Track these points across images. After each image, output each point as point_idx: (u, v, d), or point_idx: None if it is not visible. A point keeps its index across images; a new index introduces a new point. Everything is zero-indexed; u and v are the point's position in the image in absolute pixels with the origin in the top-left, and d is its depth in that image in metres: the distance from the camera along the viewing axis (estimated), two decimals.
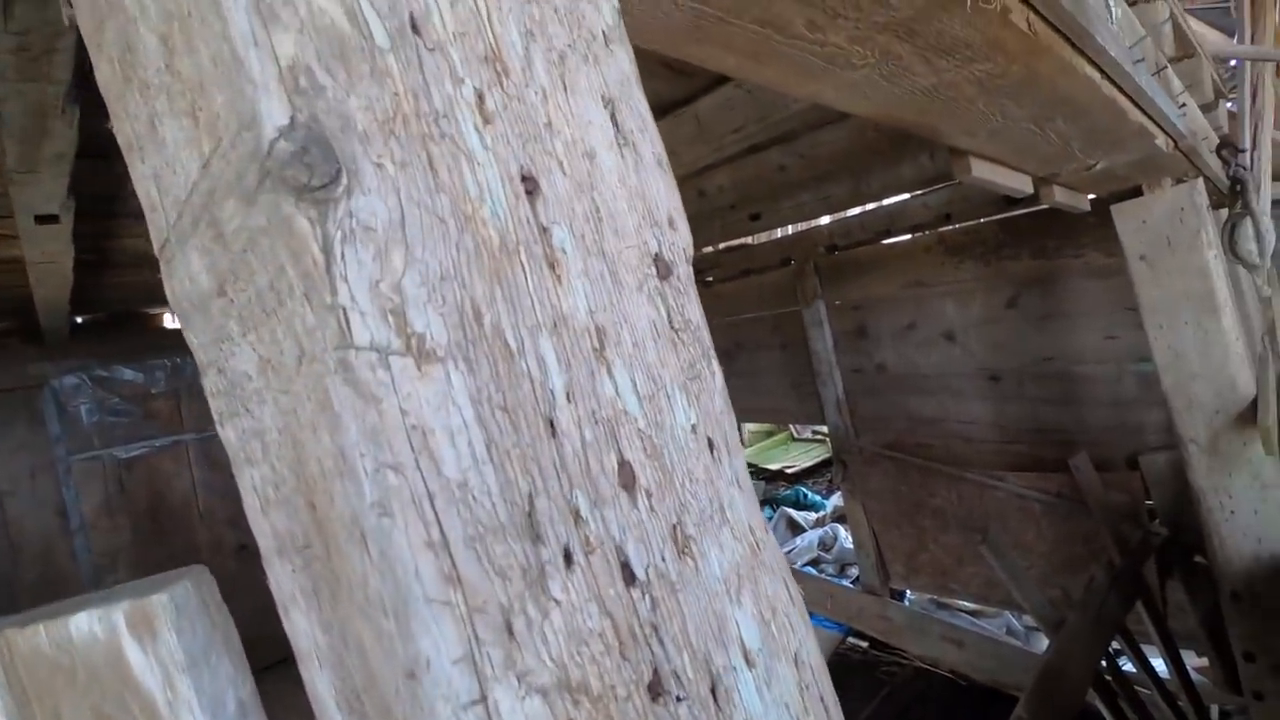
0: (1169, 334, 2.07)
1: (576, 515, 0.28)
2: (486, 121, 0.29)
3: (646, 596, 0.30)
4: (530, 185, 0.30)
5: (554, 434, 0.29)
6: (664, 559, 0.31)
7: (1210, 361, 1.97)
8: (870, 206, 3.73)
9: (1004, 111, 1.23)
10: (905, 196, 3.39)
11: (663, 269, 0.36)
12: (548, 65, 0.32)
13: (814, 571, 4.64)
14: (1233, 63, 2.49)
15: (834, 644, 4.17)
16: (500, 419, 0.27)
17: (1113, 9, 1.27)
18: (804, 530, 5.18)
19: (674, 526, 0.32)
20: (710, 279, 4.71)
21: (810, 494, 5.96)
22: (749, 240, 4.47)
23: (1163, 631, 2.17)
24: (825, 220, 4.07)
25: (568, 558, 0.28)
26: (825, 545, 4.90)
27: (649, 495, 0.32)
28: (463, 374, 0.26)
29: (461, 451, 0.26)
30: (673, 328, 0.35)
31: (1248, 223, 1.87)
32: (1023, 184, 1.72)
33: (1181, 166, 1.81)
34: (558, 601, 0.27)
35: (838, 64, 0.89)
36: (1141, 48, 1.30)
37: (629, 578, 0.30)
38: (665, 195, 0.37)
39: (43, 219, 1.49)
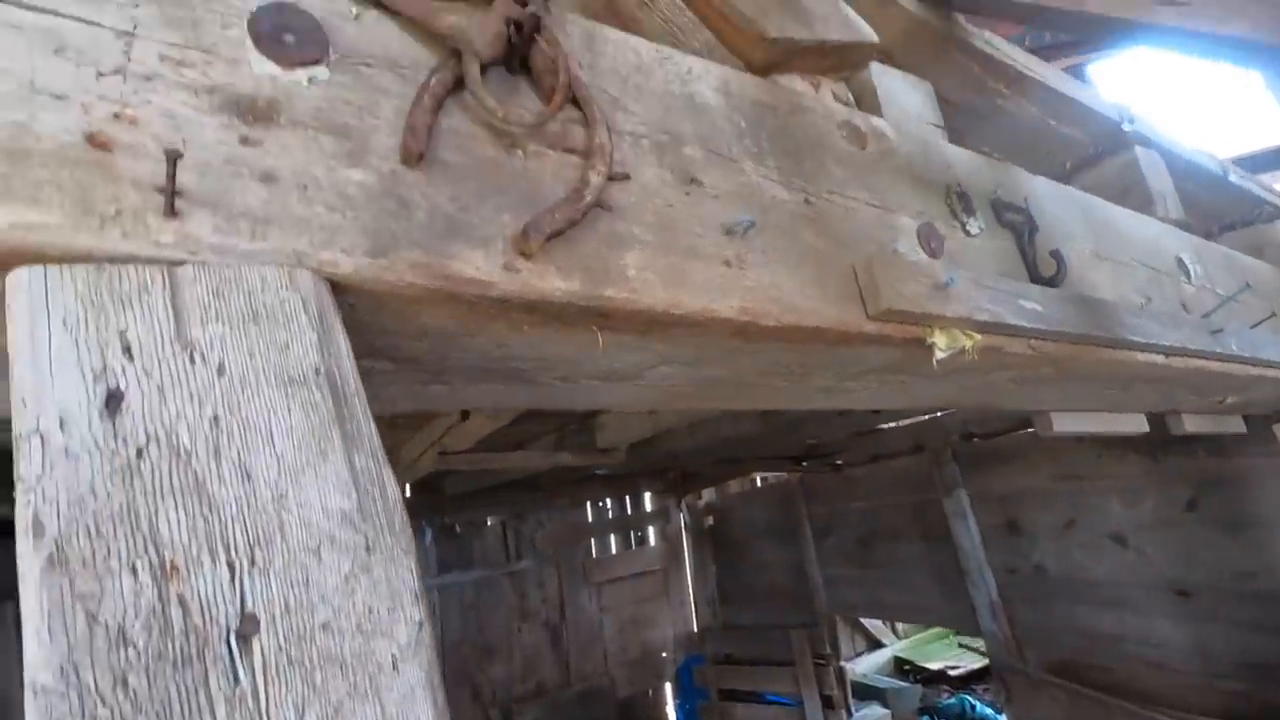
0: None
1: None
2: None
3: None
4: None
5: None
6: None
7: None
8: None
9: (1064, 391, 1.19)
10: None
11: None
12: None
13: None
14: None
15: None
16: None
17: (1191, 268, 1.24)
18: None
19: None
20: (840, 462, 4.55)
21: (981, 706, 5.12)
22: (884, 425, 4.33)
23: None
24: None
25: None
26: None
27: None
28: None
29: None
30: None
31: None
32: (1135, 424, 1.58)
33: None
34: None
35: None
36: (1233, 304, 1.23)
37: None
38: None
39: None
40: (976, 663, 5.97)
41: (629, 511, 5.94)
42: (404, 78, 0.54)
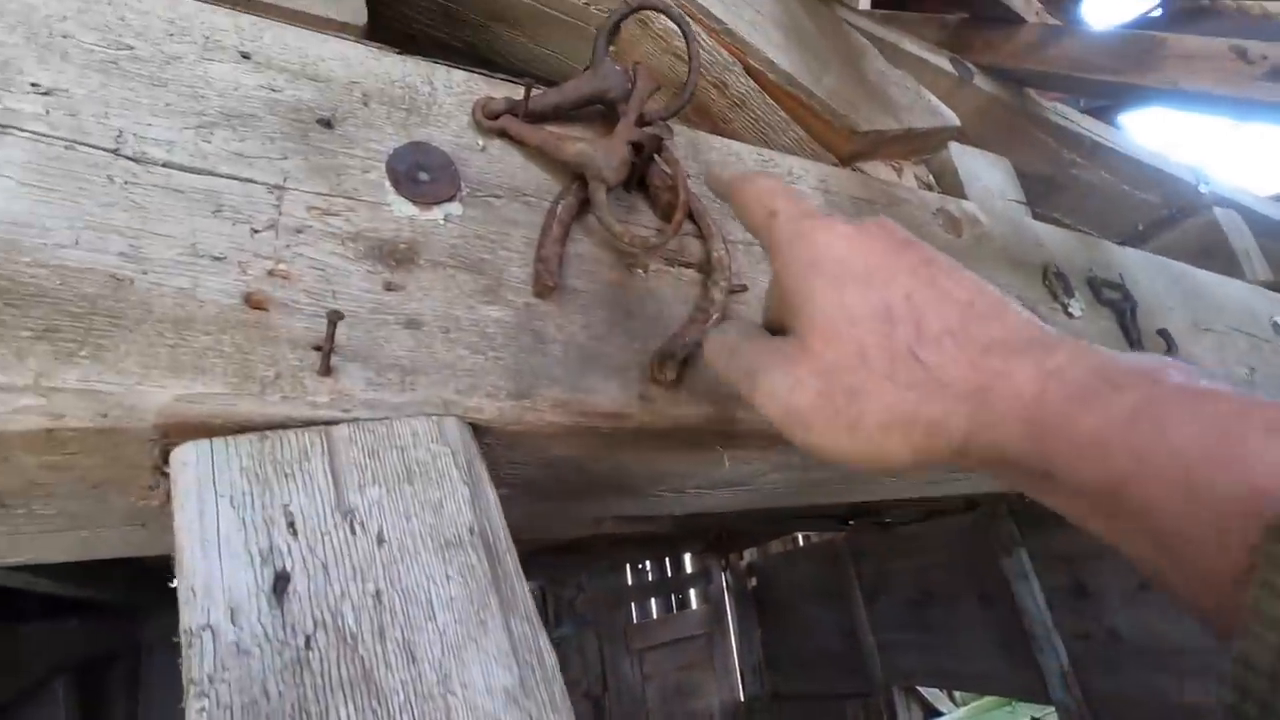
0: None
1: None
2: None
3: None
4: None
5: None
6: None
7: None
8: None
9: None
10: None
11: None
12: None
13: None
14: None
15: None
16: None
17: None
18: None
19: None
20: (889, 520, 4.40)
21: None
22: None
23: None
24: None
25: None
26: None
27: None
28: None
29: None
30: None
31: None
32: None
33: None
34: None
35: None
36: None
37: None
38: None
39: None
40: None
41: (669, 574, 5.79)
42: (530, 206, 0.53)
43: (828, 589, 5.13)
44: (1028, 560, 3.85)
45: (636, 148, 0.56)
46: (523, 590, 0.42)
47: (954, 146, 1.03)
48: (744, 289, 0.60)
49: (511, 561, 0.42)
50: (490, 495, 0.43)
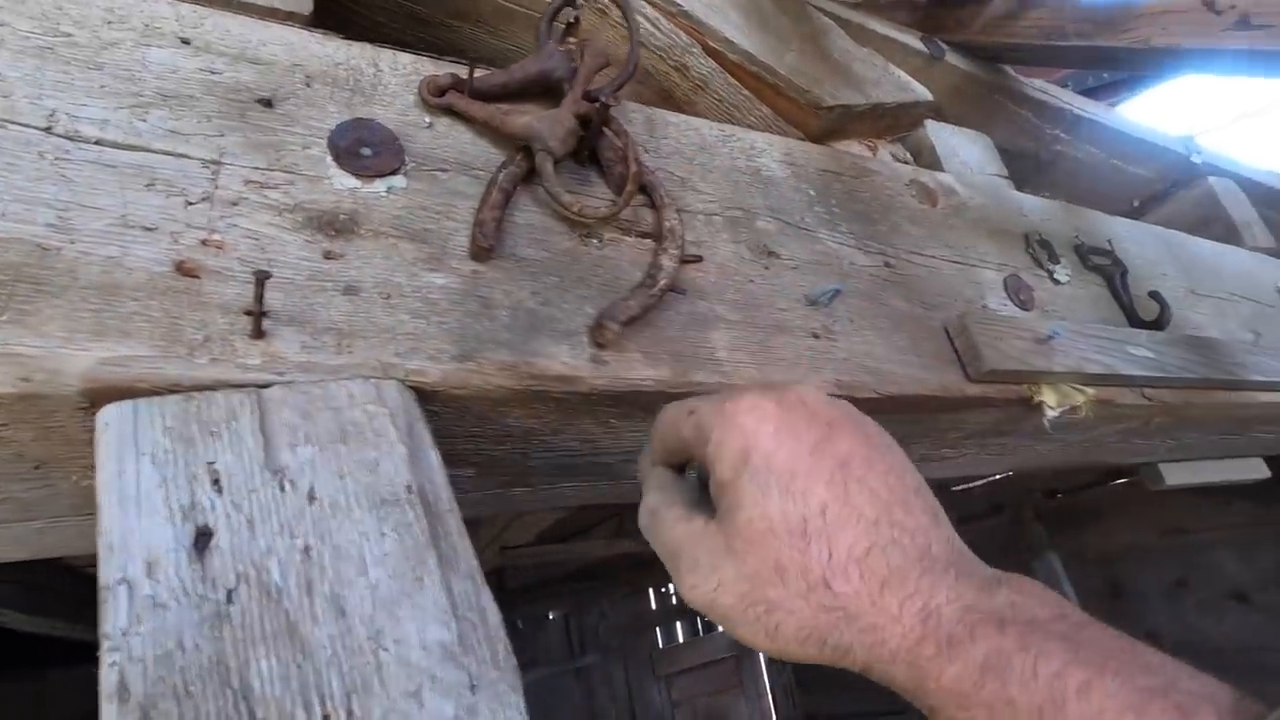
0: None
1: None
2: None
3: None
4: None
5: None
6: None
7: None
8: None
9: (1176, 440, 1.09)
10: None
11: None
12: None
13: None
14: None
15: None
16: None
17: None
18: None
19: None
20: None
21: None
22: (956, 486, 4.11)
23: None
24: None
25: None
26: None
27: None
28: None
29: None
30: None
31: None
32: (1254, 470, 1.44)
33: None
34: None
35: None
36: None
37: None
38: None
39: None
40: None
41: None
42: (479, 179, 0.53)
43: None
44: (1059, 563, 3.73)
45: (585, 121, 0.56)
46: (466, 549, 0.41)
47: (930, 124, 1.02)
48: (698, 259, 0.59)
49: (454, 521, 0.41)
50: (433, 457, 0.42)
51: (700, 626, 5.65)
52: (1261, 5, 0.75)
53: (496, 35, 0.80)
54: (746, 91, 0.80)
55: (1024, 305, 0.81)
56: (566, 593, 4.94)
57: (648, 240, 0.59)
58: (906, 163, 1.00)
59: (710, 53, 0.78)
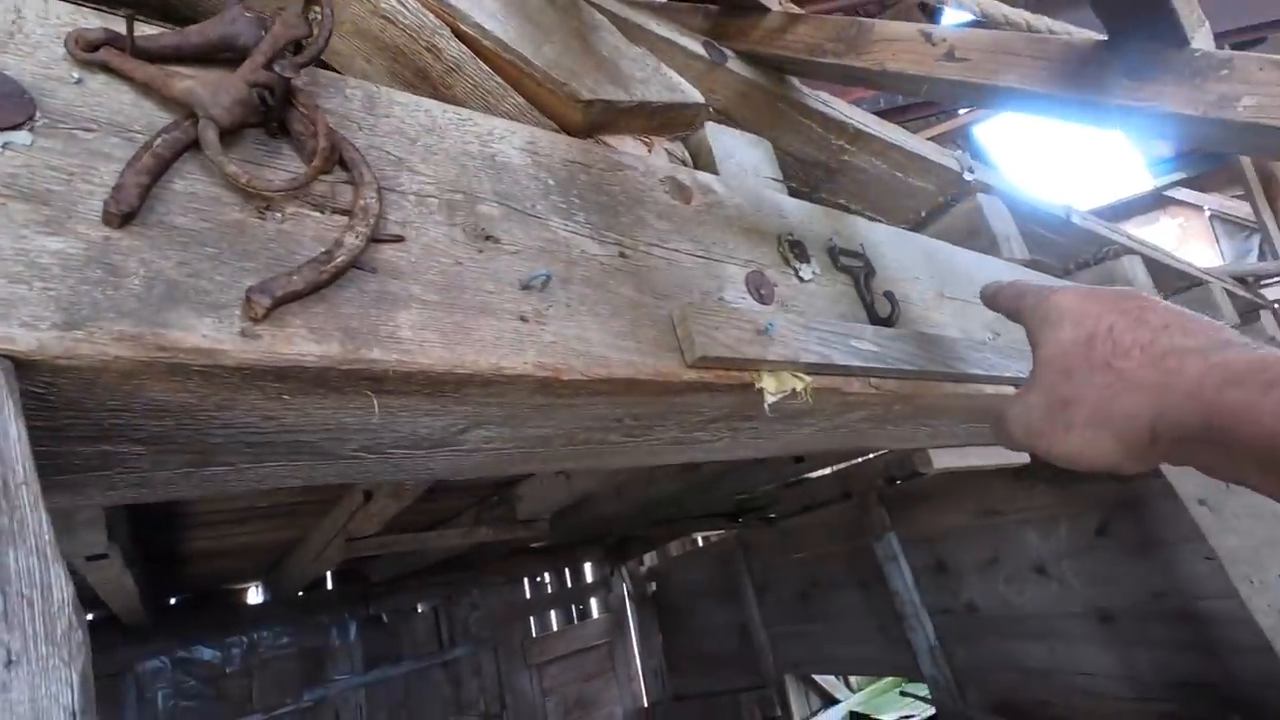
0: (1265, 591, 1.75)
1: None
2: None
3: None
4: None
5: None
6: None
7: None
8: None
9: (930, 428, 1.21)
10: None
11: None
12: None
13: None
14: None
15: None
16: None
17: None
18: None
19: None
20: (773, 515, 4.53)
21: None
22: (808, 474, 4.35)
23: None
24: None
25: None
26: None
27: None
28: None
29: None
30: None
31: None
32: (1016, 455, 1.62)
33: None
34: None
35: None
36: None
37: None
38: None
39: (94, 558, 1.67)
40: (929, 711, 5.89)
41: (569, 584, 5.73)
42: (134, 142, 0.51)
43: (722, 588, 5.22)
44: (897, 544, 4.04)
45: (269, 91, 0.55)
46: (39, 523, 0.39)
47: (711, 126, 1.07)
48: (398, 239, 0.60)
49: (28, 496, 0.39)
50: (11, 428, 0.40)
51: (575, 614, 5.69)
52: (965, 41, 0.84)
53: None
54: (499, 79, 0.81)
55: (763, 299, 0.88)
56: (438, 583, 4.83)
57: (342, 218, 0.59)
58: (685, 162, 1.05)
59: (461, 37, 0.78)
